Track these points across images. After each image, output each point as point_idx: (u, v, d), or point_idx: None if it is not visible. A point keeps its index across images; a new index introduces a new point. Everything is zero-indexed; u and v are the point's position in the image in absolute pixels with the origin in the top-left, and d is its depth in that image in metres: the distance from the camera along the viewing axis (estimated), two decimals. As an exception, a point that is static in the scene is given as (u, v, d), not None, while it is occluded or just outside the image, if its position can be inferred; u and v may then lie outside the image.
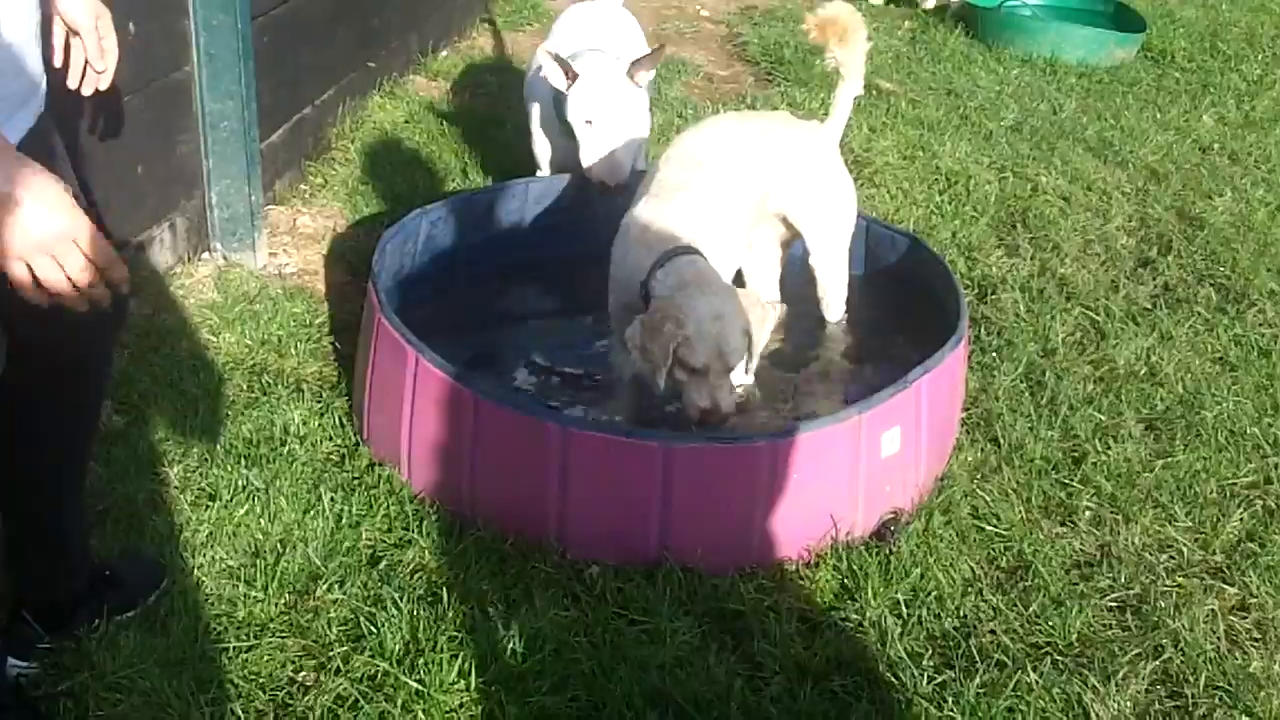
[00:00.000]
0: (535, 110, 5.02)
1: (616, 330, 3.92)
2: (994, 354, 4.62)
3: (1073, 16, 8.89)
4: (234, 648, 3.06)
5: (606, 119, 4.53)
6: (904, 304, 4.47)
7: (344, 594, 3.25)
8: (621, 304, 3.83)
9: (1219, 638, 3.35)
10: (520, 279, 4.75)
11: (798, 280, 4.52)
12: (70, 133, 3.51)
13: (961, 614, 3.36)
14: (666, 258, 3.63)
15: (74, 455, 2.93)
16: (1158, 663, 3.24)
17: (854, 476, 3.52)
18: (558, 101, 4.70)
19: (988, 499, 3.79)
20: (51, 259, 1.96)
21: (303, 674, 3.04)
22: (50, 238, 1.95)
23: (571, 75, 4.57)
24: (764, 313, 3.67)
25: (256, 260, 4.94)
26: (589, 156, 4.56)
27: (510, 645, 3.09)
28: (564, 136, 4.76)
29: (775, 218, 4.30)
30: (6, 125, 2.24)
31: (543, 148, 5.06)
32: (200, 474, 3.65)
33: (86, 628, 3.03)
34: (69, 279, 1.99)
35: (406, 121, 6.24)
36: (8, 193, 1.91)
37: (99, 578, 3.09)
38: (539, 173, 5.12)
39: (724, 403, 3.55)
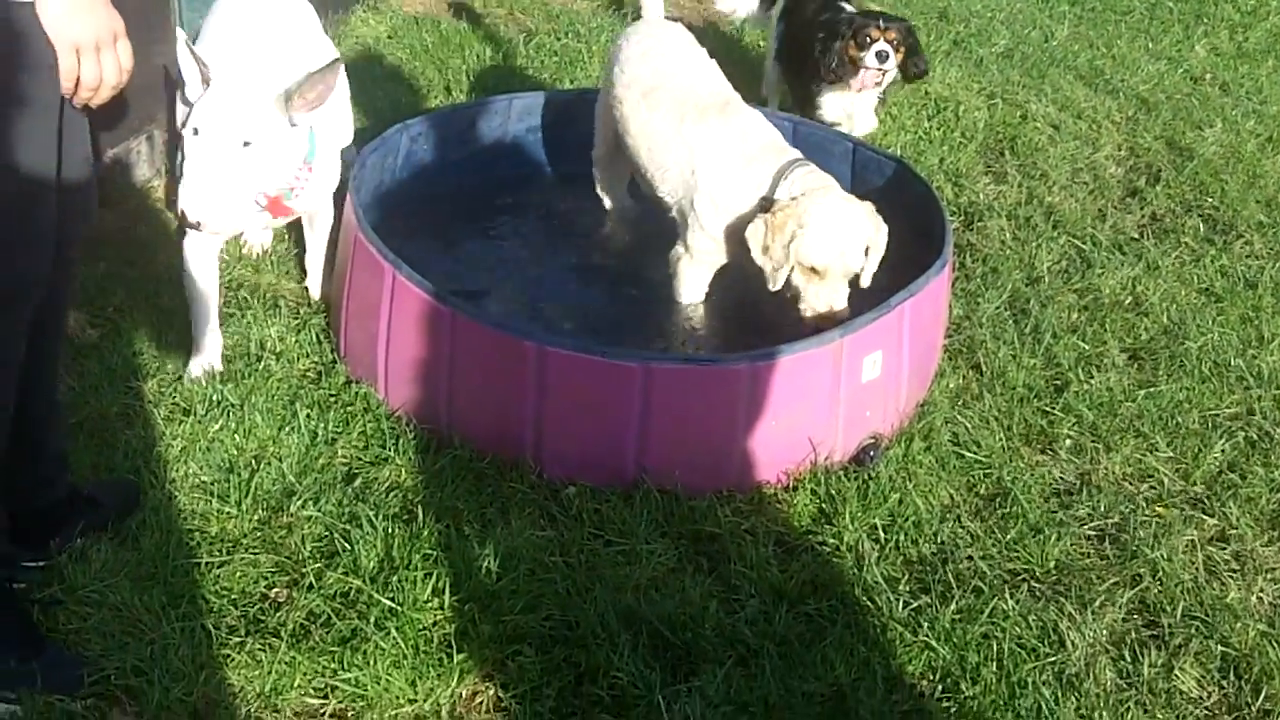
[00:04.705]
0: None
1: (701, 252, 3.94)
2: (978, 281, 4.59)
3: (1067, -57, 8.78)
4: (206, 563, 3.05)
5: (224, 144, 3.38)
6: (889, 228, 4.42)
7: (318, 511, 3.23)
8: (728, 225, 3.84)
9: (1197, 568, 3.35)
10: (502, 195, 4.69)
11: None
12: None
13: (939, 540, 3.35)
14: (787, 168, 3.73)
15: (44, 353, 2.86)
16: (1135, 592, 3.24)
17: (834, 400, 3.49)
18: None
19: (968, 426, 3.77)
20: (96, 54, 2.41)
21: (275, 590, 3.03)
22: (105, 30, 2.41)
23: (207, 81, 3.47)
24: (881, 224, 3.73)
25: (235, 174, 4.84)
26: (188, 184, 3.38)
27: (485, 564, 3.08)
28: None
29: None
30: None
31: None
32: (174, 388, 3.62)
33: (57, 541, 3.01)
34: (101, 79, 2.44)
35: (389, 37, 6.15)
36: None
37: (78, 498, 3.07)
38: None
39: (839, 307, 3.64)
